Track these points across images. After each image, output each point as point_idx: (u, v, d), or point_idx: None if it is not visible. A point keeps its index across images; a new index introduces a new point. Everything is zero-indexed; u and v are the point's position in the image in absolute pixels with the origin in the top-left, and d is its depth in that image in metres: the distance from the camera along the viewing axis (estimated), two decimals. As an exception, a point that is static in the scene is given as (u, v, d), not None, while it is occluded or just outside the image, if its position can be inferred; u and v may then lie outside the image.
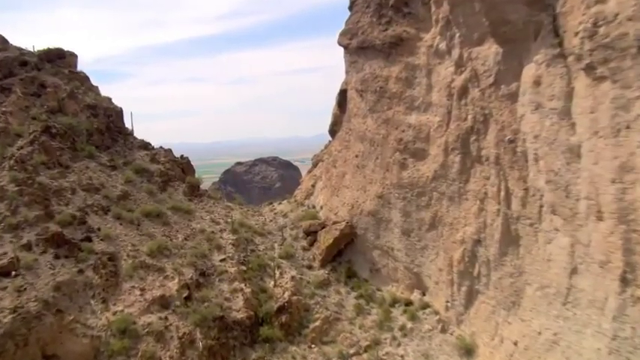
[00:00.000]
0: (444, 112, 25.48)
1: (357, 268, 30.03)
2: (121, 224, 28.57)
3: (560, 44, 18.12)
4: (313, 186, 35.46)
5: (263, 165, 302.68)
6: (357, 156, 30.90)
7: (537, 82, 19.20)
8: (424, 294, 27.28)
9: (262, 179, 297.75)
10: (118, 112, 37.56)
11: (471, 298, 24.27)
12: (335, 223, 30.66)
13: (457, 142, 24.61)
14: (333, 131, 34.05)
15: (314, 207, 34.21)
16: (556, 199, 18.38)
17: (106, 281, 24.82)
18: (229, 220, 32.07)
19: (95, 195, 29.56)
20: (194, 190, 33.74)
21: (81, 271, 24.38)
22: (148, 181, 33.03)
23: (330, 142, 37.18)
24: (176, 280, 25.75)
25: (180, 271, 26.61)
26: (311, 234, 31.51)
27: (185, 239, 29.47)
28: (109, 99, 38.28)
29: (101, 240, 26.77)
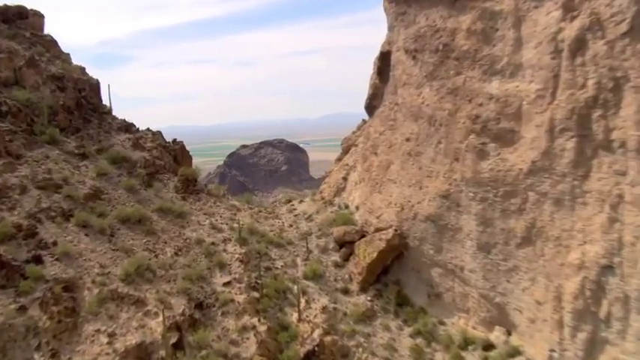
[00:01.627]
0: (547, 77, 17.65)
1: (409, 292, 22.28)
2: (87, 235, 20.88)
3: None
4: (345, 179, 27.44)
5: (269, 147, 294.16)
6: (408, 139, 22.84)
7: None
8: (510, 333, 19.47)
9: (268, 162, 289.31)
10: (94, 86, 29.53)
11: (593, 350, 16.50)
12: (379, 230, 22.75)
13: (570, 120, 16.80)
14: (372, 107, 25.95)
15: (347, 207, 26.26)
16: None
17: (58, 323, 17.59)
18: (235, 225, 24.09)
19: (54, 194, 21.85)
20: (189, 185, 25.76)
21: (22, 309, 17.31)
22: (129, 174, 25.19)
23: (364, 121, 29.00)
24: (161, 318, 18.00)
25: (167, 303, 19.00)
26: (345, 245, 23.69)
27: (176, 254, 21.71)
28: (82, 68, 30.27)
29: (56, 260, 19.17)
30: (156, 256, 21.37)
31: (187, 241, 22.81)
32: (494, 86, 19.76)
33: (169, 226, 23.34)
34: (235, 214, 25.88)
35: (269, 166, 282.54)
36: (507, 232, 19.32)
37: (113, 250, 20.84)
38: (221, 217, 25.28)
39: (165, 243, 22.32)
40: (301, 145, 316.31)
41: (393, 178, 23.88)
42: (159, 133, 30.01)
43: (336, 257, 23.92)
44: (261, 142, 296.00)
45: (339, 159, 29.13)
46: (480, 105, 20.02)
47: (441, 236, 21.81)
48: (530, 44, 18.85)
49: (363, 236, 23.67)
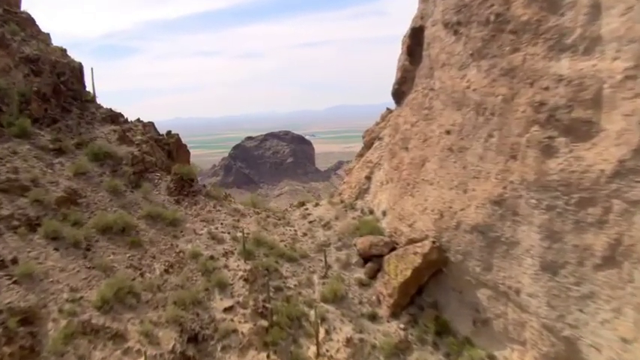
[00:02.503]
0: (640, 52, 13.44)
1: (449, 318, 18.24)
2: (56, 250, 16.98)
3: None
4: (368, 178, 23.42)
5: (274, 139, 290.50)
6: (448, 132, 18.83)
7: None
8: (582, 375, 15.28)
9: (274, 154, 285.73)
10: (75, 70, 25.51)
11: None
12: (412, 242, 18.77)
13: (674, 108, 12.57)
14: (400, 93, 21.86)
15: (372, 212, 22.25)
16: None
17: (11, 369, 13.38)
18: (239, 234, 20.08)
19: (19, 199, 17.96)
20: (185, 186, 21.78)
21: (-36, 351, 13.04)
22: (113, 173, 21.31)
23: (389, 110, 24.91)
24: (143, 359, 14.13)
25: (153, 337, 15.16)
26: (372, 259, 19.75)
27: (166, 271, 17.84)
28: (62, 50, 26.12)
29: (14, 283, 15.42)
30: (141, 275, 17.47)
31: (181, 254, 18.89)
32: (564, 65, 15.61)
33: (159, 237, 19.42)
34: (239, 221, 21.91)
35: (274, 158, 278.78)
36: (582, 250, 15.23)
37: (88, 268, 16.98)
38: (222, 224, 21.31)
39: (154, 258, 18.41)
40: (307, 137, 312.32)
41: (429, 179, 19.76)
42: (151, 124, 25.99)
43: (360, 274, 19.93)
44: (266, 134, 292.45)
45: (361, 154, 25.03)
46: (546, 89, 15.89)
47: (492, 251, 17.74)
48: (613, 10, 14.67)
49: (394, 249, 19.66)
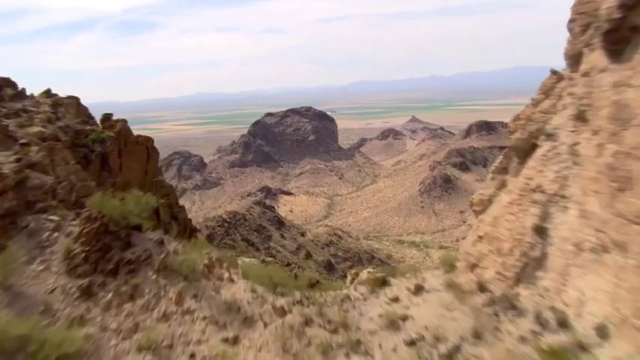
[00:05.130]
0: None
1: None
2: None
3: None
4: (540, 231, 9.74)
5: (295, 116, 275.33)
6: None
7: None
8: None
9: (295, 131, 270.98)
10: None
11: None
12: None
13: None
14: (618, 45, 8.17)
15: (564, 324, 8.53)
16: None
17: None
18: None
19: None
20: (110, 249, 8.45)
21: None
22: None
23: (553, 74, 11.30)
24: None
25: None
26: None
27: None
28: None
29: None
30: None
31: None
32: None
33: None
34: (237, 341, 8.77)
35: (296, 135, 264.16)
36: None
37: None
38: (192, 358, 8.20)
39: None
40: (328, 113, 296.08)
41: None
42: (73, 101, 12.89)
43: None
44: (287, 110, 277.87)
45: (503, 168, 11.50)
46: None
47: None
48: None
49: None
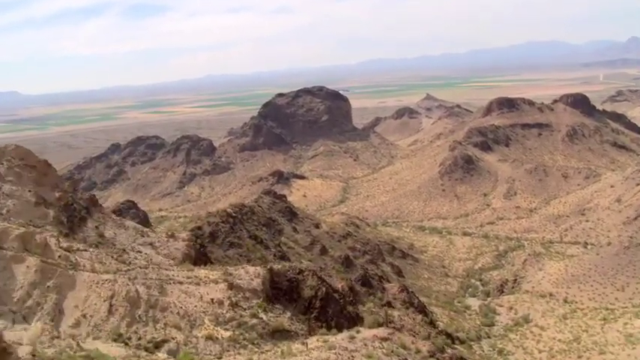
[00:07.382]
0: None
1: None
2: None
3: None
4: None
5: (307, 96, 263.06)
6: None
7: None
8: None
9: (307, 112, 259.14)
10: None
11: None
12: None
13: None
14: None
15: None
16: None
17: None
18: None
19: None
20: None
21: None
22: None
23: None
24: None
25: None
26: None
27: None
28: None
29: None
30: None
31: None
32: None
33: None
34: None
35: (308, 116, 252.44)
36: None
37: None
38: None
39: None
40: (342, 92, 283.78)
41: None
42: None
43: None
44: (298, 90, 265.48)
45: None
46: None
47: None
48: None
49: None
